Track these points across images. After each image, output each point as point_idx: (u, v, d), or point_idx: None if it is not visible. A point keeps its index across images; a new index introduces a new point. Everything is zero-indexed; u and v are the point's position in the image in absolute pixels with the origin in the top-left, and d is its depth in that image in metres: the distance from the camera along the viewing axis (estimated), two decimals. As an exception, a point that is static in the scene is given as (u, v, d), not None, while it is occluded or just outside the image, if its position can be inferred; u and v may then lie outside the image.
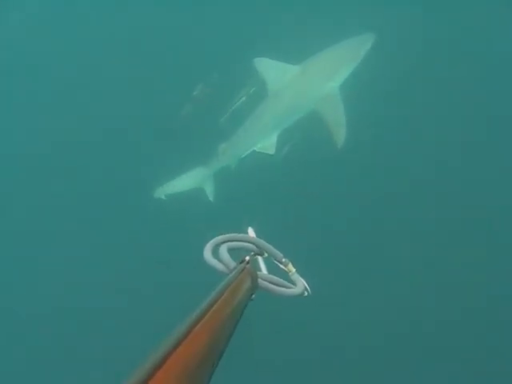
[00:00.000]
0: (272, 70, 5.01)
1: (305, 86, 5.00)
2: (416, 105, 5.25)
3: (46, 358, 5.41)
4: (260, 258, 1.46)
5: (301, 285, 1.42)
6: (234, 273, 1.16)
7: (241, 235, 1.46)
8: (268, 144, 5.10)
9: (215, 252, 1.33)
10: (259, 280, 1.28)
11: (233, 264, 1.28)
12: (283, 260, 1.46)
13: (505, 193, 5.01)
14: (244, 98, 5.26)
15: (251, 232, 1.54)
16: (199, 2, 6.32)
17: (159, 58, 6.05)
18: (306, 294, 1.41)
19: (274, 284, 1.35)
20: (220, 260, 1.31)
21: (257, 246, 1.44)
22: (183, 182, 5.38)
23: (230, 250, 1.35)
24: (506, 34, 5.39)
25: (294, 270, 1.47)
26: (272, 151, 5.09)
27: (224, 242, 1.38)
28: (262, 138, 5.11)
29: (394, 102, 5.15)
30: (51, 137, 6.06)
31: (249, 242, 1.44)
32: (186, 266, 3.85)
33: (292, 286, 1.40)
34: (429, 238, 5.07)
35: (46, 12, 6.70)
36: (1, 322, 5.63)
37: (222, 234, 1.38)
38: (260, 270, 1.40)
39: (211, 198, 5.37)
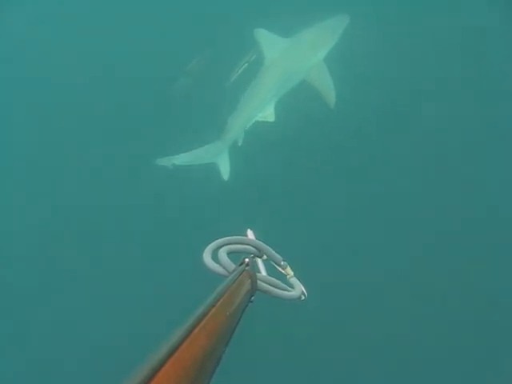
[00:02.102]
0: (267, 42, 5.55)
1: (294, 59, 5.53)
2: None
3: (41, 358, 5.41)
4: (259, 260, 1.44)
5: (298, 289, 1.40)
6: (233, 275, 1.15)
7: (240, 237, 1.44)
8: (268, 113, 5.53)
9: (214, 255, 1.32)
10: (258, 282, 1.27)
11: (232, 267, 1.27)
12: (282, 263, 1.45)
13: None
14: (246, 65, 5.62)
15: (250, 234, 1.52)
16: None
17: (163, 31, 6.15)
18: (303, 298, 1.40)
19: (273, 286, 1.34)
20: (219, 263, 1.29)
21: (256, 248, 1.42)
22: (196, 155, 5.48)
23: (230, 253, 1.34)
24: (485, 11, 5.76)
25: (292, 273, 1.47)
26: (272, 119, 5.51)
27: (224, 245, 1.36)
28: (261, 108, 5.50)
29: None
30: (57, 123, 6.14)
31: (248, 245, 1.42)
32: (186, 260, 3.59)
33: (290, 288, 1.40)
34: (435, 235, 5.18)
35: (44, 12, 6.73)
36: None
37: (221, 237, 1.38)
38: (259, 272, 1.38)
39: (225, 177, 5.54)
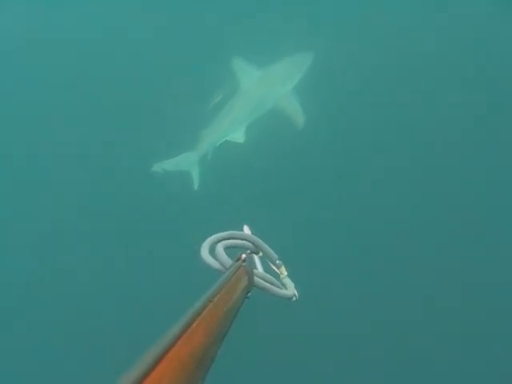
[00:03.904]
0: (242, 70, 6.12)
1: (265, 88, 6.04)
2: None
3: (33, 352, 5.34)
4: (255, 256, 1.44)
5: (291, 289, 1.42)
6: (230, 270, 1.14)
7: (238, 233, 1.44)
8: (238, 134, 5.95)
9: (212, 250, 1.31)
10: (255, 278, 1.27)
11: (229, 262, 1.25)
12: (277, 262, 1.47)
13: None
14: (224, 92, 6.07)
15: (247, 230, 1.52)
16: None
17: (149, 54, 6.49)
18: (294, 299, 1.41)
19: (269, 283, 1.34)
20: (217, 258, 1.28)
21: (253, 244, 1.43)
22: (177, 164, 5.82)
23: (227, 248, 1.34)
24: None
25: (285, 273, 1.47)
26: (241, 140, 5.92)
27: (221, 240, 1.36)
28: (232, 130, 5.92)
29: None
30: (49, 129, 6.29)
31: (246, 240, 1.43)
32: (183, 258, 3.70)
33: (282, 287, 1.42)
34: (424, 234, 5.17)
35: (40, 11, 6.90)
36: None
37: (219, 232, 1.37)
38: (255, 268, 1.38)
39: (195, 186, 5.82)
